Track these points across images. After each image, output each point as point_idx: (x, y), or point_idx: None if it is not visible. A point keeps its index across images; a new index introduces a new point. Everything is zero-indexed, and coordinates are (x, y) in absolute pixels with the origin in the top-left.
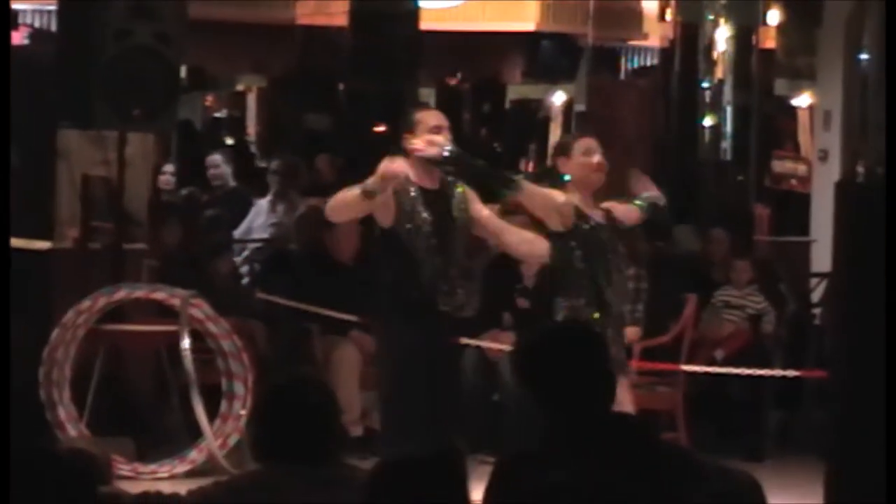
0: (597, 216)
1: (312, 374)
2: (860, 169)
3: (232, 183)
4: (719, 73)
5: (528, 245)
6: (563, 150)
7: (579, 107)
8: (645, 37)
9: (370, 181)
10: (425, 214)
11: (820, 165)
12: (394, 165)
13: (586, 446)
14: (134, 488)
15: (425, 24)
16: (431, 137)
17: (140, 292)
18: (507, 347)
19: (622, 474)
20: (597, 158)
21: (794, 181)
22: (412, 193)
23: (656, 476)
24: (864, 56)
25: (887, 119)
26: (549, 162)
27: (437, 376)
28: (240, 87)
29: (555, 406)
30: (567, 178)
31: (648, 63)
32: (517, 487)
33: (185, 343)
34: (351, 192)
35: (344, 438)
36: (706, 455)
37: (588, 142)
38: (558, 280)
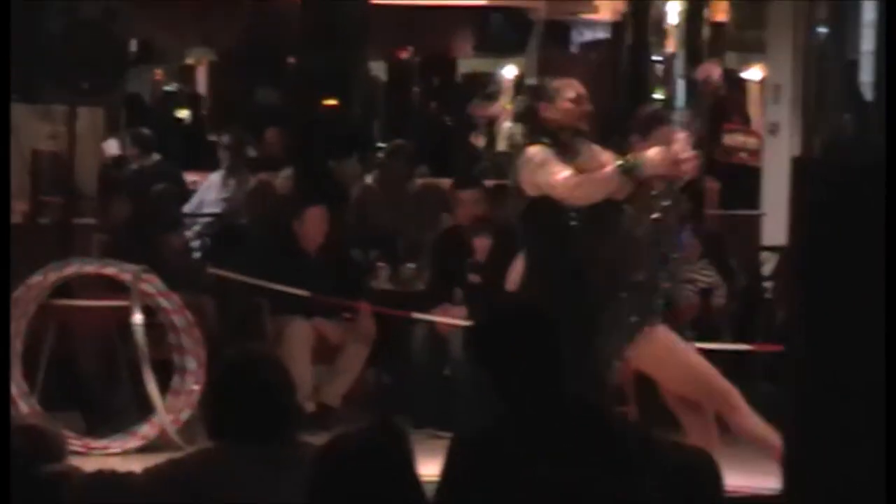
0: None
1: (265, 351)
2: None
3: (154, 157)
4: (670, 46)
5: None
6: (641, 130)
7: (530, 80)
8: (596, 10)
9: (635, 160)
10: None
11: (770, 139)
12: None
13: (542, 425)
14: (85, 464)
15: None
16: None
17: (90, 267)
18: (458, 322)
19: (578, 452)
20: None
21: (743, 154)
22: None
23: (612, 454)
24: (820, 30)
25: (887, 117)
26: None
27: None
28: (189, 61)
29: (510, 385)
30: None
31: (599, 37)
32: (474, 465)
33: (137, 318)
34: (606, 173)
35: (298, 415)
36: (657, 430)
37: (667, 132)
38: None
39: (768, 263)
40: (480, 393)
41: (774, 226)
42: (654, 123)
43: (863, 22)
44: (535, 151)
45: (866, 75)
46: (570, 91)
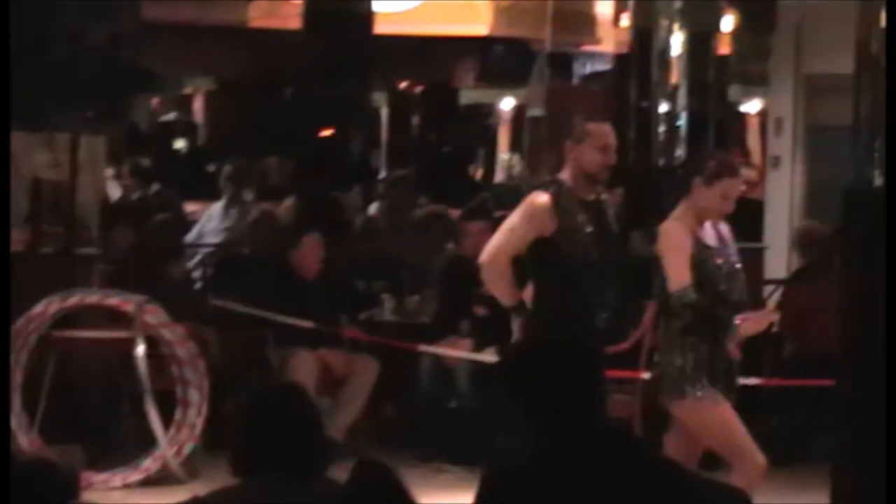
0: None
1: (293, 384)
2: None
3: (154, 188)
4: (674, 78)
5: None
6: (709, 178)
7: (532, 111)
8: (599, 42)
9: None
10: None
11: (772, 171)
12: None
13: (577, 459)
14: (89, 498)
15: (379, 28)
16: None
17: (93, 298)
18: (465, 354)
19: (614, 488)
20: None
21: (744, 187)
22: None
23: (647, 489)
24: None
25: (887, 124)
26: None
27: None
28: (187, 90)
29: (546, 419)
30: None
31: (602, 69)
32: (507, 500)
33: (140, 349)
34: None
35: (327, 449)
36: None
37: (732, 185)
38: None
39: (773, 297)
40: (488, 427)
41: (777, 259)
42: (723, 173)
43: None
44: (524, 206)
45: None
46: (600, 138)
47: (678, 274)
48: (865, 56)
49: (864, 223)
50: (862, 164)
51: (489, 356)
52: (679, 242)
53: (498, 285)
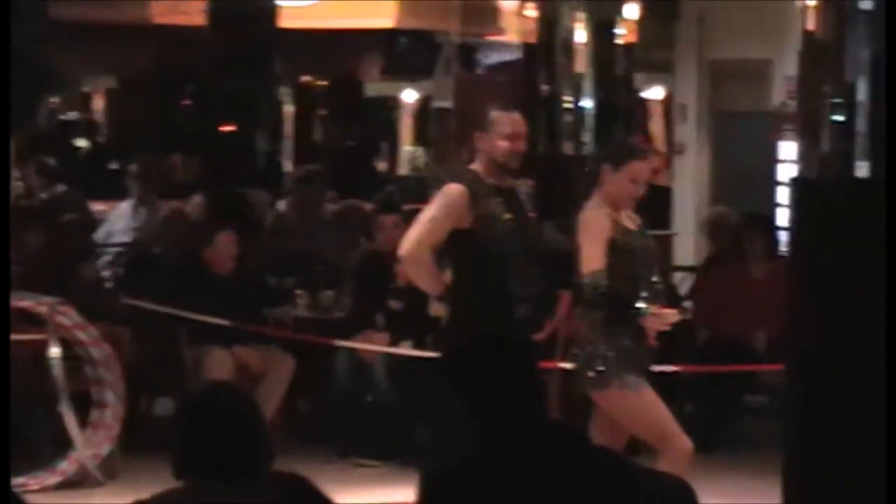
0: (631, 225)
1: (233, 385)
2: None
3: (60, 188)
4: (579, 67)
5: None
6: (616, 161)
7: (438, 103)
8: (503, 32)
9: None
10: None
11: (678, 158)
12: None
13: (522, 454)
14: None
15: (283, 23)
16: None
17: None
18: (381, 349)
19: (559, 481)
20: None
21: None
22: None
23: (592, 482)
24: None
25: (887, 119)
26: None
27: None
28: (86, 89)
29: (488, 414)
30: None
31: (508, 59)
32: (451, 498)
33: (54, 351)
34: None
35: (270, 450)
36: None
37: (640, 167)
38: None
39: (684, 283)
40: (405, 420)
41: (685, 245)
42: (629, 156)
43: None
44: (441, 196)
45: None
46: (507, 126)
47: (591, 259)
48: (810, 47)
49: (817, 211)
50: (810, 152)
51: (406, 350)
52: (596, 228)
53: (422, 277)
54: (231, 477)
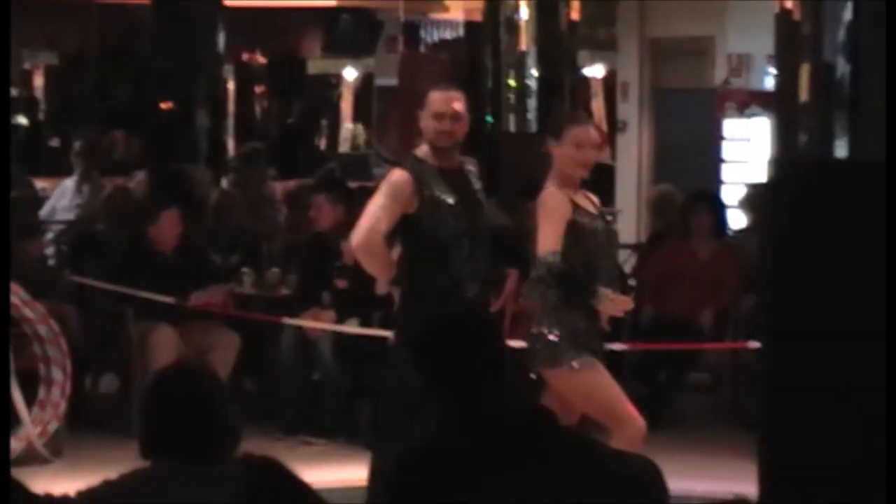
0: (588, 206)
1: (198, 364)
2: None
3: None
4: (522, 45)
5: None
6: (556, 131)
7: (380, 81)
8: (446, 10)
9: None
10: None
11: (620, 136)
12: None
13: (488, 435)
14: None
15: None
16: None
17: None
18: (328, 326)
19: (522, 461)
20: (587, 154)
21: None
22: (432, 175)
23: (559, 462)
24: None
25: (887, 110)
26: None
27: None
28: (26, 66)
29: (453, 395)
30: None
31: (450, 37)
32: (417, 480)
33: None
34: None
35: (235, 430)
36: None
37: (580, 131)
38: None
39: (628, 262)
40: (349, 397)
41: (628, 223)
42: (568, 122)
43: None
44: (386, 184)
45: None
46: (437, 104)
47: (547, 240)
48: (785, 29)
49: (792, 190)
50: (788, 132)
51: (352, 328)
52: (555, 209)
53: (376, 265)
54: (198, 458)
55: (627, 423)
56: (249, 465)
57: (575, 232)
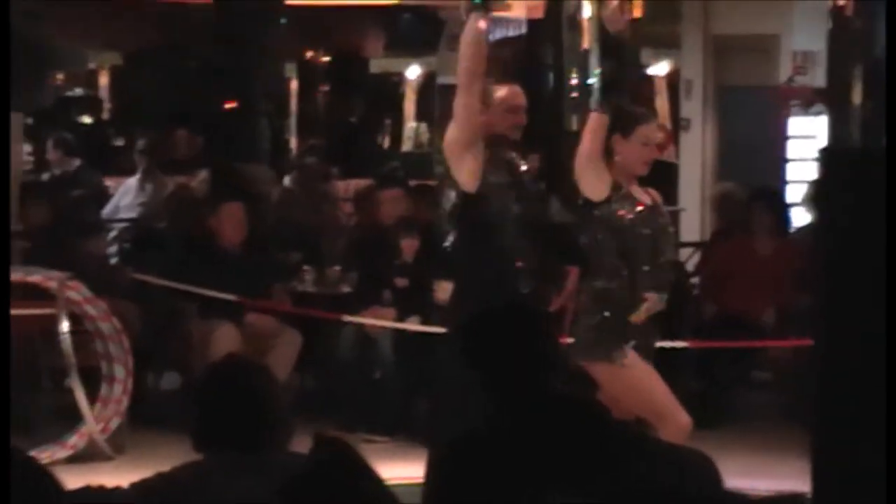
0: (645, 199)
1: (250, 359)
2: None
3: (76, 162)
4: (585, 43)
5: None
6: (624, 128)
7: (442, 79)
8: (509, 7)
9: None
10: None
11: (683, 134)
12: None
13: (539, 427)
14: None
15: None
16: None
17: (16, 275)
18: (388, 324)
19: (574, 453)
20: (652, 152)
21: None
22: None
23: (608, 454)
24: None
25: (887, 109)
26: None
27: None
28: (91, 66)
29: (503, 387)
30: None
31: (514, 34)
32: (469, 472)
33: (64, 326)
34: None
35: (287, 423)
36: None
37: (649, 130)
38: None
39: (691, 259)
40: (409, 395)
41: (691, 221)
42: (638, 120)
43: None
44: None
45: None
46: (509, 98)
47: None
48: (838, 24)
49: (843, 182)
50: (839, 124)
51: (412, 325)
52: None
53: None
54: (248, 450)
55: (672, 419)
56: (319, 442)
57: (611, 221)
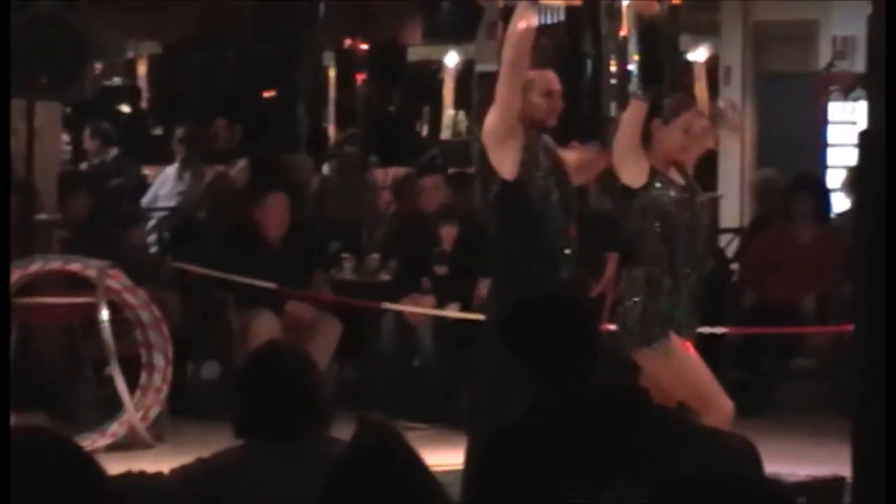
0: (682, 184)
1: (291, 345)
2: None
3: (113, 152)
4: (623, 29)
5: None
6: (666, 114)
7: (481, 67)
8: None
9: None
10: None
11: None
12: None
13: (581, 414)
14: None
15: None
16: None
17: (55, 264)
18: (429, 311)
19: (621, 441)
20: (692, 141)
21: (706, 122)
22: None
23: (655, 441)
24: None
25: (887, 108)
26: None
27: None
28: (130, 55)
29: (543, 376)
30: None
31: (552, 21)
32: (509, 460)
33: (104, 314)
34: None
35: (328, 411)
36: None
37: (692, 117)
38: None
39: (730, 246)
40: (450, 382)
41: (731, 208)
42: (681, 107)
43: None
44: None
45: None
46: (544, 84)
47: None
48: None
49: (883, 166)
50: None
51: (452, 312)
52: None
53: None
54: (288, 436)
55: (715, 405)
56: (364, 427)
57: (649, 207)
